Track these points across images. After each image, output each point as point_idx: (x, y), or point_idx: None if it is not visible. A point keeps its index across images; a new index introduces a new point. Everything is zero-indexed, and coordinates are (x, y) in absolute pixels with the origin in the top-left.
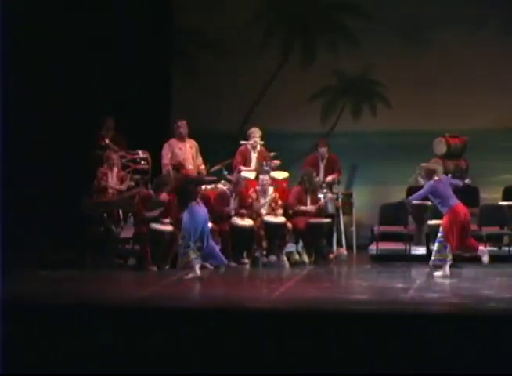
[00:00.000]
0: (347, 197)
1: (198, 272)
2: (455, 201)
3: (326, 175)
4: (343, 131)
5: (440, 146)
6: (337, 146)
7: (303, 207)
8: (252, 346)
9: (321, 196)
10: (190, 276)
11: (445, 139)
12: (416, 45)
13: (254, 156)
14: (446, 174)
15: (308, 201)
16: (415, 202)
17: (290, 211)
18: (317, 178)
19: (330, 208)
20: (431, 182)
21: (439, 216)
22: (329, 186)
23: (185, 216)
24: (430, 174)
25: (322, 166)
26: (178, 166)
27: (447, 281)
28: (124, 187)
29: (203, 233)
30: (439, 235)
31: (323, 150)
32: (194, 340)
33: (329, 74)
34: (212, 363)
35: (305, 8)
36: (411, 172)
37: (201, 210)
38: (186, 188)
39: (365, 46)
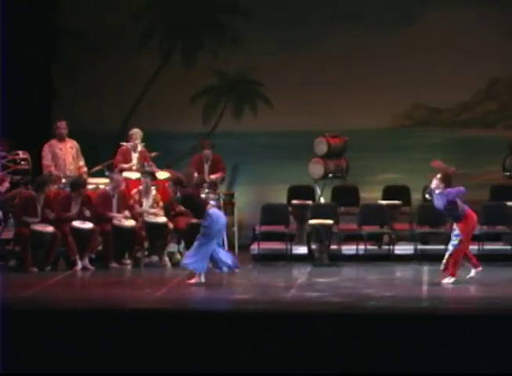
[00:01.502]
0: (229, 197)
1: (203, 279)
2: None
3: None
4: (224, 131)
5: (320, 146)
6: (219, 146)
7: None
8: (134, 346)
9: (203, 196)
10: (194, 281)
11: (326, 139)
12: (297, 45)
13: (134, 156)
14: (327, 174)
15: None
16: (295, 202)
17: (172, 212)
18: (196, 179)
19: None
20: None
21: (320, 216)
22: (214, 185)
23: (206, 221)
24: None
25: (206, 167)
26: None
27: (329, 280)
28: (3, 189)
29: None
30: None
31: (207, 152)
32: (74, 341)
33: (211, 75)
34: (93, 364)
35: (186, 8)
36: (292, 172)
37: (222, 214)
38: (192, 199)
39: (246, 46)
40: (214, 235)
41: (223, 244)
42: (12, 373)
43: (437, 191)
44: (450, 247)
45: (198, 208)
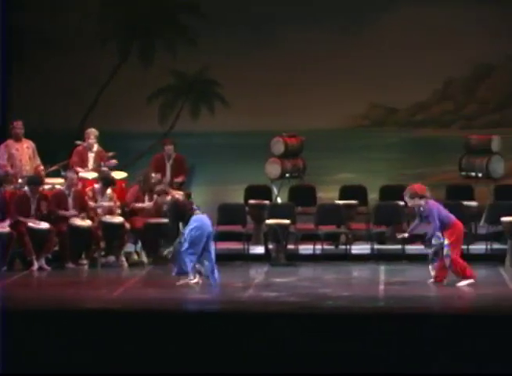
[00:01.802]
0: (186, 197)
1: (195, 279)
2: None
3: (172, 175)
4: (182, 131)
5: (277, 146)
6: (176, 146)
7: (139, 205)
8: (90, 345)
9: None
10: (181, 282)
11: (283, 139)
12: (254, 45)
13: (91, 156)
14: (284, 174)
15: (146, 201)
16: (252, 202)
17: (127, 209)
18: (156, 179)
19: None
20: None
21: (277, 216)
22: (179, 186)
23: (192, 225)
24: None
25: (168, 165)
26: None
27: (286, 280)
28: None
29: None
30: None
31: (169, 148)
32: (28, 341)
33: (168, 74)
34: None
35: (143, 8)
36: (249, 172)
37: (209, 222)
38: (179, 209)
39: (203, 46)
40: (199, 242)
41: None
42: (12, 373)
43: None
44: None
45: (183, 214)
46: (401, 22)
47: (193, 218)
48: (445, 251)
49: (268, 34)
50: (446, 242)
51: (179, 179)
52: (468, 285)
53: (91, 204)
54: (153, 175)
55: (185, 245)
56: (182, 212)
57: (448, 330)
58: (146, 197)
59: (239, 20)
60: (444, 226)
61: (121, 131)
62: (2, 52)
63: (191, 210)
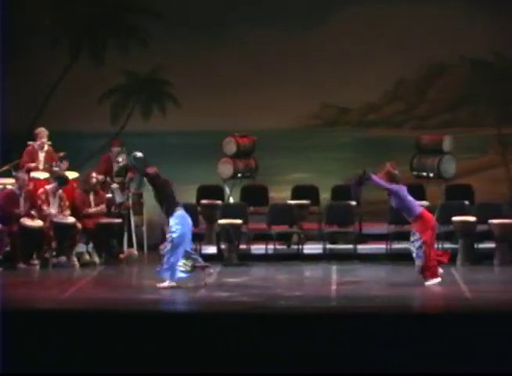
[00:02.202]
0: (138, 196)
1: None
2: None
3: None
4: (133, 131)
5: (229, 146)
6: (128, 146)
7: (91, 210)
8: (41, 346)
9: (109, 195)
10: (166, 284)
11: (235, 139)
12: (206, 46)
13: (41, 156)
14: (236, 173)
15: (92, 201)
16: (205, 202)
17: (80, 215)
18: (95, 178)
19: (118, 197)
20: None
21: (229, 216)
22: (128, 185)
23: (173, 221)
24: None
25: (115, 166)
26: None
27: (238, 280)
28: None
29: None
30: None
31: (116, 149)
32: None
33: (119, 74)
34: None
35: (93, 8)
36: (201, 172)
37: (188, 217)
38: (169, 194)
39: (155, 46)
40: (182, 239)
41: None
42: (12, 373)
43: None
44: (413, 249)
45: (168, 205)
46: (352, 22)
47: (176, 214)
48: (416, 245)
49: (221, 35)
50: (419, 239)
51: (130, 175)
52: (433, 284)
53: (45, 208)
54: (93, 174)
55: (168, 247)
56: (169, 197)
57: (399, 330)
58: (92, 199)
59: (191, 21)
60: (409, 212)
61: (73, 131)
62: None
63: (176, 203)
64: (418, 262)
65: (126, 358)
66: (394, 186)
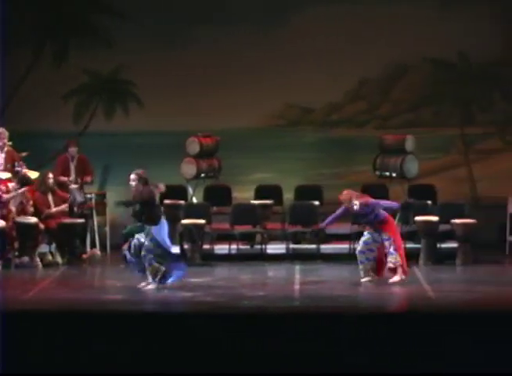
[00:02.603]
0: (101, 197)
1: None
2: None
3: (77, 175)
4: (96, 131)
5: (192, 146)
6: (91, 146)
7: (52, 210)
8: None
9: (71, 187)
10: (144, 284)
11: (198, 139)
12: (169, 46)
13: (1, 156)
14: (199, 173)
15: (51, 202)
16: (168, 202)
17: (43, 216)
18: (52, 178)
19: (79, 197)
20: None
21: (192, 216)
22: (82, 186)
23: (157, 229)
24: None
25: (72, 166)
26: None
27: (201, 280)
28: None
29: None
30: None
31: (73, 150)
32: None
33: (82, 74)
34: None
35: (56, 8)
36: (164, 172)
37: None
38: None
39: (118, 46)
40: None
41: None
42: (12, 373)
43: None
44: (390, 252)
45: (153, 214)
46: (315, 21)
47: (162, 222)
48: (391, 248)
49: (184, 35)
50: (388, 238)
51: (88, 179)
52: (396, 282)
53: (5, 196)
54: (49, 175)
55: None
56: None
57: (362, 330)
58: (51, 199)
59: (154, 20)
60: (380, 221)
61: (37, 130)
62: None
63: (160, 211)
64: (391, 258)
65: (88, 358)
66: (372, 202)
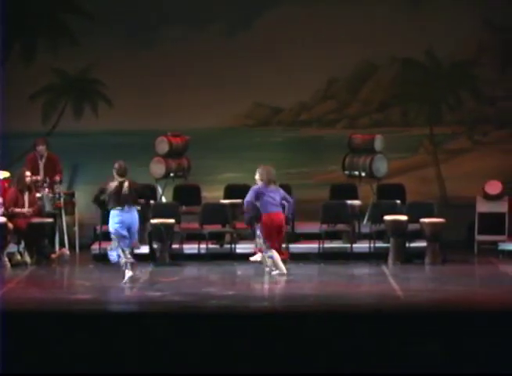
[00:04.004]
0: (69, 196)
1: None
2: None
3: (46, 174)
4: (65, 130)
5: (162, 145)
6: (59, 146)
7: (18, 210)
8: None
9: (39, 195)
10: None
11: (167, 138)
12: (138, 45)
13: None
14: (168, 173)
15: (26, 201)
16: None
17: (6, 213)
18: (30, 177)
19: (48, 206)
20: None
21: (162, 215)
22: (51, 186)
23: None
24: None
25: (41, 165)
26: None
27: (170, 279)
28: None
29: None
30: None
31: (41, 148)
32: None
33: (50, 73)
34: None
35: (25, 7)
36: (134, 172)
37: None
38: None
39: (86, 45)
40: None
41: None
42: (12, 373)
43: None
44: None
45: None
46: (284, 21)
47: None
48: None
49: (153, 34)
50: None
51: (57, 178)
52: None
53: None
54: (27, 173)
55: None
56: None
57: (331, 329)
58: (26, 198)
59: (124, 19)
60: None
61: (4, 130)
62: None
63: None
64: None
65: (56, 358)
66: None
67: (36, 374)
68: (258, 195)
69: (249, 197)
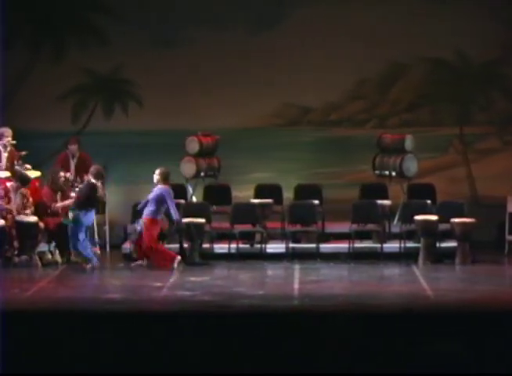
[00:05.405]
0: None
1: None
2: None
3: (77, 173)
4: (95, 130)
5: (192, 145)
6: (90, 146)
7: (59, 204)
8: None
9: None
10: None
11: (197, 138)
12: (169, 45)
13: (4, 155)
14: (199, 172)
15: (59, 200)
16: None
17: (49, 210)
18: (63, 177)
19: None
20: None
21: (192, 215)
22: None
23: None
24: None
25: (73, 164)
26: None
27: (201, 279)
28: None
29: None
30: None
31: (73, 147)
32: None
33: (80, 73)
34: None
35: (54, 7)
36: None
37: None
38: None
39: (117, 45)
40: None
41: None
42: (12, 373)
43: None
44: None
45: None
46: (314, 20)
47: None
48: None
49: (183, 34)
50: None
51: (86, 178)
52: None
53: (4, 204)
54: (61, 173)
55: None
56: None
57: (362, 329)
58: (59, 196)
59: (154, 20)
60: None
61: (34, 130)
62: None
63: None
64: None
65: (88, 357)
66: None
67: (40, 374)
68: None
69: None
